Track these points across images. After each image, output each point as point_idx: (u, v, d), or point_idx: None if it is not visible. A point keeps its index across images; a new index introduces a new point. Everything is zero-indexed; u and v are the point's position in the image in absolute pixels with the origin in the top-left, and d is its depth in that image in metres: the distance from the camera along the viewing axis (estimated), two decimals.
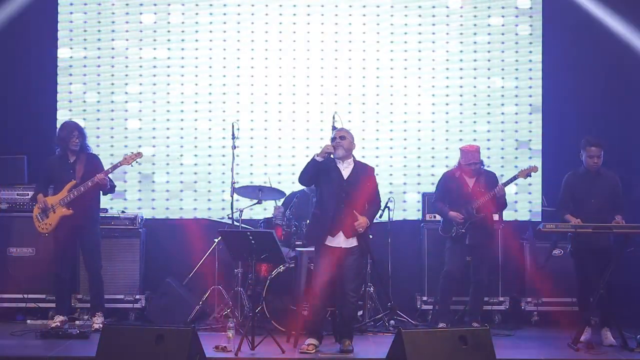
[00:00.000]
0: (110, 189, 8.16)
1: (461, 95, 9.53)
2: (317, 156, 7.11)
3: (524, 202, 9.37)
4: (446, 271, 8.15)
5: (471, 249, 8.16)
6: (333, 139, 7.23)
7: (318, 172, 7.14)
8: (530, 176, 8.21)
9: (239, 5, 9.55)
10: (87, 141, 8.23)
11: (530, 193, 9.35)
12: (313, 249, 7.50)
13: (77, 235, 8.07)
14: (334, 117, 7.93)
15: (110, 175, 8.10)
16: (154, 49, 9.54)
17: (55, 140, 8.23)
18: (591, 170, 7.70)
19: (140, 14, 9.55)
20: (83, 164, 8.07)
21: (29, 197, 8.43)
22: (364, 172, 7.28)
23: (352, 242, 7.14)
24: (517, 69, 9.50)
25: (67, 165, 8.07)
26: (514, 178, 8.11)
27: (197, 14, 9.55)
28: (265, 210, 9.12)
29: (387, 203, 8.61)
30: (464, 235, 8.10)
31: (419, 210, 9.33)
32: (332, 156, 7.14)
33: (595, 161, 7.67)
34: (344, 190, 7.09)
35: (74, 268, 8.43)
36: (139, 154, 8.14)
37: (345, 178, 7.16)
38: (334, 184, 7.12)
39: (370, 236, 7.42)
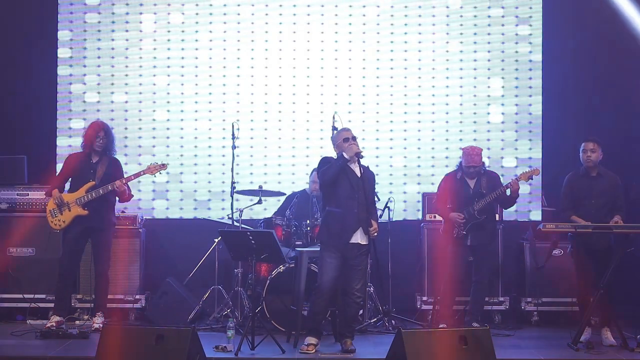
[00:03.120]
0: (127, 197, 8.13)
1: (461, 96, 9.53)
2: (346, 155, 7.13)
3: (524, 202, 9.36)
4: (448, 274, 8.14)
5: (473, 249, 8.17)
6: (346, 140, 7.18)
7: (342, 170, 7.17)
8: (532, 179, 8.23)
9: (238, 5, 9.56)
10: (114, 143, 8.18)
11: (530, 193, 9.35)
12: (315, 248, 7.51)
13: (89, 236, 8.06)
14: (334, 117, 7.93)
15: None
16: (154, 49, 9.54)
17: (82, 137, 8.17)
18: (586, 166, 7.70)
19: (140, 14, 9.56)
20: (105, 166, 8.05)
21: (32, 195, 8.39)
22: (368, 171, 7.38)
23: (365, 240, 7.19)
24: (517, 69, 9.51)
25: (89, 165, 8.05)
26: (516, 180, 8.10)
27: (197, 14, 9.56)
28: (265, 210, 9.12)
29: (387, 203, 8.61)
30: (465, 236, 8.11)
31: (419, 210, 9.34)
32: (358, 156, 7.14)
33: (588, 155, 7.68)
34: (360, 188, 7.14)
35: (77, 268, 8.43)
36: (164, 166, 8.12)
37: (359, 176, 7.20)
38: (351, 182, 7.15)
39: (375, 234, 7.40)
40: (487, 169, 8.39)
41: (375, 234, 7.22)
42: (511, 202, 8.30)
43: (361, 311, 8.11)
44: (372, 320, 8.23)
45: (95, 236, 8.05)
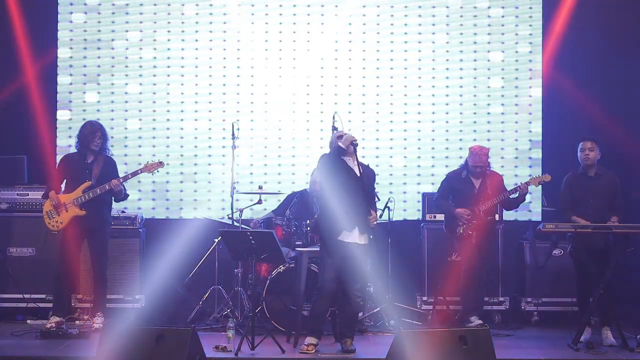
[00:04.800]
0: (123, 196, 8.13)
1: (461, 95, 9.54)
2: (341, 144, 7.12)
3: (524, 202, 9.34)
4: (466, 268, 8.14)
5: (478, 247, 8.16)
6: (340, 137, 7.19)
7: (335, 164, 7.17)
8: (541, 184, 8.21)
9: (239, 5, 9.56)
10: (108, 144, 8.18)
11: (530, 193, 9.30)
12: (315, 248, 7.51)
13: (86, 236, 8.05)
14: (334, 117, 7.93)
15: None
16: (154, 49, 9.54)
17: (77, 137, 8.15)
18: (584, 165, 7.71)
19: (140, 14, 9.56)
20: (100, 166, 8.03)
21: (32, 195, 8.39)
22: (369, 172, 7.39)
23: (364, 240, 7.18)
24: (517, 69, 9.52)
25: (84, 165, 8.03)
26: (527, 185, 8.09)
27: (197, 14, 9.56)
28: (265, 210, 9.12)
29: (387, 203, 8.60)
30: (470, 235, 8.11)
31: (419, 210, 9.34)
32: (353, 144, 7.14)
33: (586, 154, 7.68)
34: (358, 186, 7.14)
35: (75, 268, 8.41)
36: (161, 163, 8.10)
37: (358, 175, 7.20)
38: (349, 179, 7.15)
39: (371, 236, 7.41)
40: (491, 169, 8.38)
41: (375, 222, 7.21)
42: (515, 205, 8.30)
43: (361, 313, 8.10)
44: (374, 310, 8.22)
45: (92, 236, 8.03)
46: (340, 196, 7.13)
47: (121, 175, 8.12)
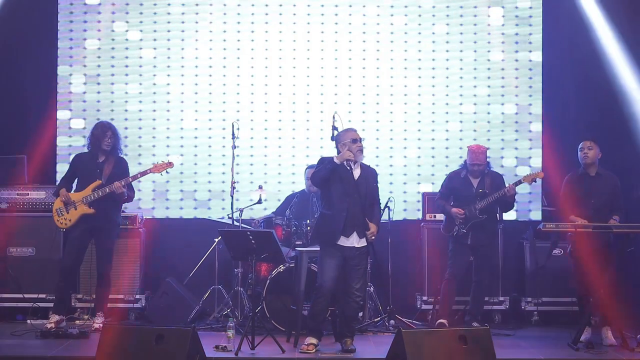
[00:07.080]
0: (127, 199, 8.10)
1: (461, 95, 9.53)
2: (336, 159, 7.14)
3: (524, 202, 9.37)
4: (449, 273, 8.15)
5: (473, 249, 8.17)
6: (355, 141, 7.18)
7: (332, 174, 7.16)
8: (535, 182, 8.20)
9: (239, 5, 9.56)
10: (120, 143, 8.18)
11: (530, 193, 9.35)
12: (315, 248, 7.51)
13: (93, 235, 8.05)
14: (334, 117, 7.92)
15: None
16: (154, 48, 9.54)
17: (88, 138, 8.15)
18: (584, 163, 7.72)
19: (140, 14, 9.55)
20: (111, 165, 8.03)
21: (32, 195, 8.37)
22: (370, 173, 7.35)
23: (363, 242, 7.18)
24: (517, 69, 9.51)
25: (95, 164, 8.03)
26: (519, 183, 8.09)
27: (197, 13, 9.56)
28: (265, 210, 9.13)
29: (387, 203, 8.60)
30: (466, 235, 8.11)
31: (419, 210, 9.34)
32: (352, 163, 7.14)
33: (585, 152, 7.70)
34: (355, 191, 7.11)
35: (79, 267, 8.41)
36: (170, 164, 8.11)
37: (355, 179, 7.17)
38: (346, 184, 7.13)
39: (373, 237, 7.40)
40: (491, 169, 8.38)
41: (373, 237, 7.19)
42: (508, 206, 8.29)
43: (361, 313, 8.11)
44: (374, 320, 8.23)
45: (100, 236, 8.03)
46: (336, 201, 7.13)
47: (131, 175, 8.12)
